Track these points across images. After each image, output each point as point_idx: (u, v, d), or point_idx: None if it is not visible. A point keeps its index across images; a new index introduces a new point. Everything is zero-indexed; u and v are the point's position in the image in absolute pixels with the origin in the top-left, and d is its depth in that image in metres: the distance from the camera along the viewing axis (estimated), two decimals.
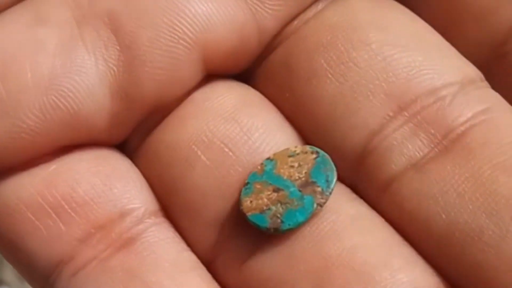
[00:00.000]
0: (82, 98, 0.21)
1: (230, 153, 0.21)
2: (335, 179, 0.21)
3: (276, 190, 0.21)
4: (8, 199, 0.21)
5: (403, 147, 0.20)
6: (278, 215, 0.20)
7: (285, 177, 0.21)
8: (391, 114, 0.21)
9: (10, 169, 0.22)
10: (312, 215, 0.20)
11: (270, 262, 0.20)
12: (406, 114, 0.21)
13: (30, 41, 0.22)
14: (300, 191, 0.21)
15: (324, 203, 0.20)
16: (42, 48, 0.21)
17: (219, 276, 0.21)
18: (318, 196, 0.20)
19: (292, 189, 0.21)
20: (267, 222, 0.21)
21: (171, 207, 0.22)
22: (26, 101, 0.21)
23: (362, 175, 0.21)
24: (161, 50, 0.21)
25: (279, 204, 0.21)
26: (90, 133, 0.22)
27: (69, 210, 0.21)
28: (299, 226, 0.20)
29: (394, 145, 0.20)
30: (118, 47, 0.21)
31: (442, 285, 0.19)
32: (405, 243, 0.20)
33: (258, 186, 0.21)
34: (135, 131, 0.22)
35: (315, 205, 0.20)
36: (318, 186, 0.21)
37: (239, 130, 0.21)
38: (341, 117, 0.21)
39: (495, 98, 0.21)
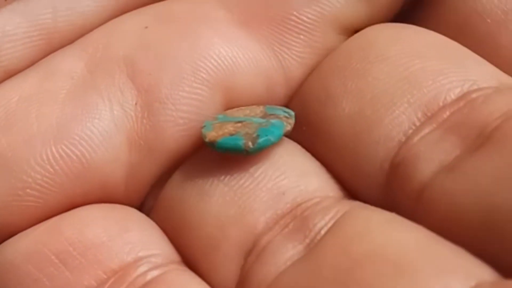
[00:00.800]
0: (95, 146, 0.20)
1: (251, 180, 0.19)
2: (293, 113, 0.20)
3: (239, 122, 0.20)
4: (6, 255, 0.19)
5: (433, 153, 0.18)
6: (251, 133, 0.19)
7: (242, 116, 0.20)
8: (417, 123, 0.19)
9: (14, 231, 0.20)
10: (285, 133, 0.20)
11: (294, 276, 0.18)
12: (434, 121, 0.19)
13: (38, 93, 0.21)
14: (263, 118, 0.20)
15: (292, 126, 0.20)
16: (51, 98, 0.20)
17: None
18: (284, 120, 0.20)
19: (255, 119, 0.20)
20: (241, 140, 0.19)
21: (188, 251, 0.19)
22: (31, 153, 0.20)
23: (392, 191, 0.19)
24: (185, 91, 0.20)
25: (247, 129, 0.19)
26: (104, 188, 0.20)
27: (77, 255, 0.19)
28: (277, 139, 0.19)
29: (422, 152, 0.19)
30: (135, 91, 0.20)
31: (494, 272, 0.17)
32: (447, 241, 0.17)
33: (218, 124, 0.20)
34: (152, 190, 0.21)
35: (285, 124, 0.20)
36: (279, 115, 0.20)
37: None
38: (362, 133, 0.19)
39: None
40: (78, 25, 0.22)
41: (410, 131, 0.19)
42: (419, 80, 0.20)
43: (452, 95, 0.19)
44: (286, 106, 0.21)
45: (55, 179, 0.20)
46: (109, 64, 0.21)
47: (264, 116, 0.20)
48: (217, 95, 0.21)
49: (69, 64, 0.21)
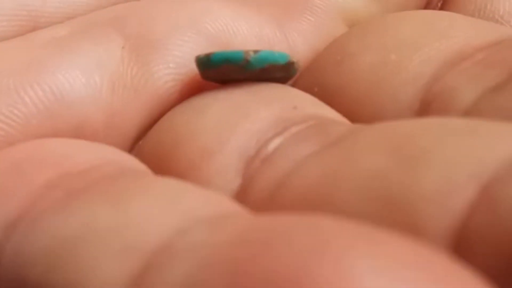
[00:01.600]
0: (72, 80, 0.17)
1: (255, 94, 0.17)
2: None
3: None
4: None
5: (473, 83, 0.16)
6: (252, 50, 0.17)
7: None
8: (451, 62, 0.17)
9: None
10: (290, 61, 0.17)
11: (324, 160, 0.14)
12: (470, 60, 0.17)
13: (14, 45, 0.18)
14: None
15: (298, 65, 0.18)
16: (28, 46, 0.18)
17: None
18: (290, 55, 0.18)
19: None
20: (241, 53, 0.16)
21: (176, 171, 0.16)
22: None
23: None
24: (179, 39, 0.18)
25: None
26: (80, 130, 0.17)
27: (36, 161, 0.15)
28: (283, 60, 0.17)
29: (461, 84, 0.16)
30: (123, 38, 0.18)
31: None
32: None
33: None
34: (137, 145, 0.18)
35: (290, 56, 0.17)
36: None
37: None
38: (386, 77, 0.17)
39: None
40: (68, 14, 0.20)
41: (444, 69, 0.17)
42: (448, 32, 0.18)
43: (487, 41, 0.17)
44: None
45: (22, 109, 0.17)
46: (95, 23, 0.19)
47: None
48: (216, 49, 0.18)
49: (53, 29, 0.19)
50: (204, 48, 0.18)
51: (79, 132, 0.17)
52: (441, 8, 0.21)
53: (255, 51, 0.17)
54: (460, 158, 0.13)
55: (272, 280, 0.10)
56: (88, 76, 0.17)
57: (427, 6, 0.21)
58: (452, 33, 0.18)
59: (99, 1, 0.20)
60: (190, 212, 0.13)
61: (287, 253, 0.10)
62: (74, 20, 0.19)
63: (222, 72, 0.17)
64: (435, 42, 0.17)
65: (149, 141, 0.17)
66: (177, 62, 0.18)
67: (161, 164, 0.16)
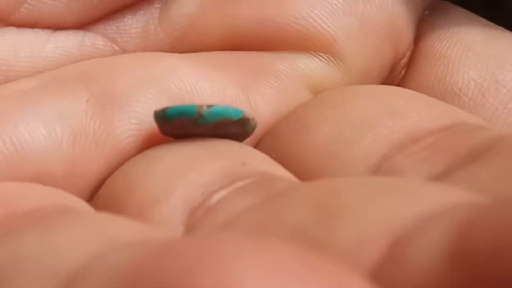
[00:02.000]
0: (32, 131, 0.18)
1: (206, 150, 0.17)
2: None
3: None
4: None
5: (420, 166, 0.17)
6: (206, 105, 0.17)
7: None
8: (402, 143, 0.17)
9: None
10: (245, 117, 0.18)
11: (262, 211, 0.15)
12: (420, 144, 0.17)
13: None
14: None
15: (255, 123, 0.18)
16: None
17: None
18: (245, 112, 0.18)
19: None
20: (195, 106, 0.17)
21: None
22: None
23: None
24: (142, 96, 0.19)
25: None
26: (39, 181, 0.18)
27: None
28: (237, 116, 0.17)
29: (409, 166, 0.17)
30: (87, 93, 0.19)
31: None
32: None
33: None
34: (95, 196, 0.18)
35: (245, 112, 0.18)
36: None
37: None
38: (340, 152, 0.18)
39: None
40: (38, 68, 0.20)
41: (394, 149, 0.17)
42: (402, 111, 0.18)
43: (438, 125, 0.18)
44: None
45: None
46: (62, 77, 0.19)
47: None
48: None
49: (21, 83, 0.19)
50: (166, 105, 0.19)
51: (38, 182, 0.18)
52: (404, 77, 0.22)
53: (209, 106, 0.17)
54: (376, 214, 0.13)
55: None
56: (49, 128, 0.18)
57: (391, 74, 0.22)
58: (406, 113, 0.18)
59: (68, 57, 0.21)
60: (113, 237, 0.14)
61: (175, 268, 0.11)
62: (42, 74, 0.20)
63: (178, 126, 0.18)
64: (389, 121, 0.18)
65: (103, 190, 0.18)
66: (138, 118, 0.18)
67: (113, 212, 0.17)
